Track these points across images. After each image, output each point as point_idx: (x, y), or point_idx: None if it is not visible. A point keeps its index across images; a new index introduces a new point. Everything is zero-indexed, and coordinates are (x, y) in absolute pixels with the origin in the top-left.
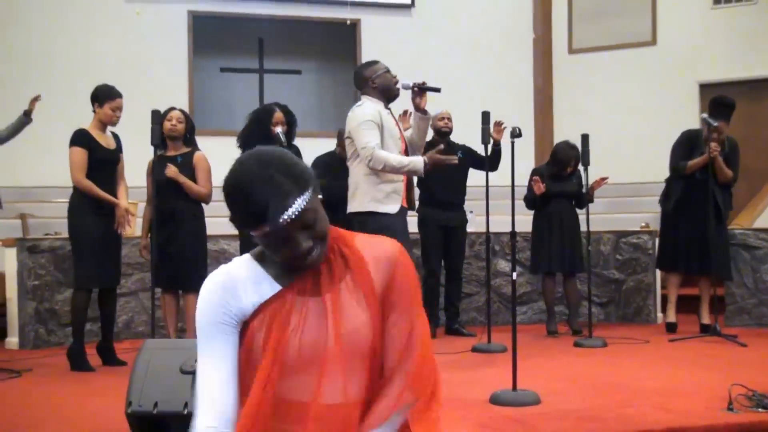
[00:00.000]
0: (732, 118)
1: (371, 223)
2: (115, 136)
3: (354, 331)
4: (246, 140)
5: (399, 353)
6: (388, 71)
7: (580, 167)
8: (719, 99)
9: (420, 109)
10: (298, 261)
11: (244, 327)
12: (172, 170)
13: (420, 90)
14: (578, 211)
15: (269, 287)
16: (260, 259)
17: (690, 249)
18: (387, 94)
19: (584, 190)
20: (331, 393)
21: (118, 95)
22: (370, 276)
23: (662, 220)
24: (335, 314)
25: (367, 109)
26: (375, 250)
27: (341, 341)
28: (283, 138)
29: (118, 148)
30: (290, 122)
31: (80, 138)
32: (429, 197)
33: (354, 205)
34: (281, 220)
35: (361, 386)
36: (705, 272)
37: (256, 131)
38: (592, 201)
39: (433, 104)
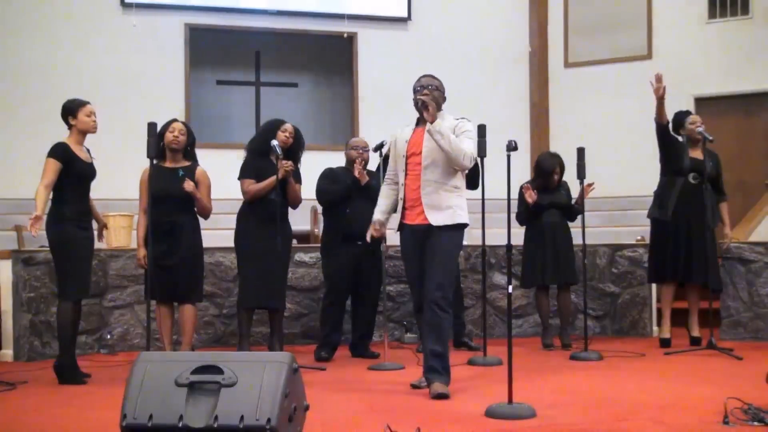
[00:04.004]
0: (727, 132)
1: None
2: (87, 150)
3: None
4: (252, 146)
5: None
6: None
7: (567, 179)
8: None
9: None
10: None
11: None
12: (190, 185)
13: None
14: (572, 223)
15: None
16: None
17: (689, 257)
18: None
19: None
20: None
21: (87, 101)
22: None
23: (656, 230)
24: None
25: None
26: None
27: None
28: (278, 150)
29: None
30: (297, 139)
31: (59, 151)
32: None
33: None
34: None
35: None
36: (704, 281)
37: (262, 139)
38: (582, 211)
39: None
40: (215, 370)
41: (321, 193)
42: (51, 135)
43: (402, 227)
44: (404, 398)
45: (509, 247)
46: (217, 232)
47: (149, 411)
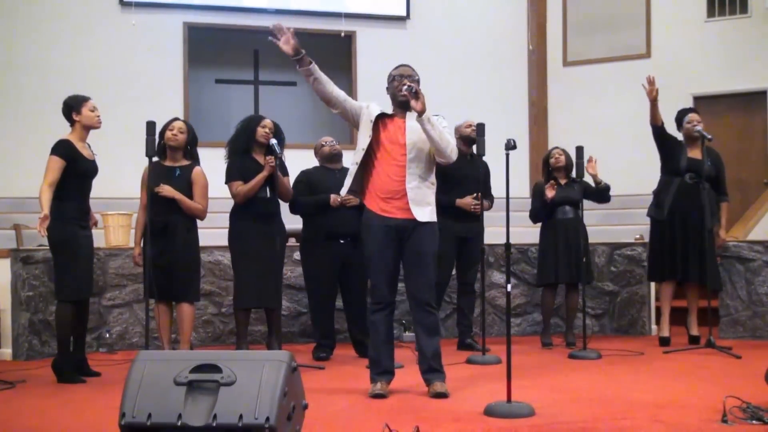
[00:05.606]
0: (726, 131)
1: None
2: (89, 147)
3: None
4: (233, 147)
5: None
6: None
7: (575, 176)
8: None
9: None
10: None
11: None
12: (165, 189)
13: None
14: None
15: None
16: None
17: (685, 256)
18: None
19: (593, 187)
20: None
21: (88, 96)
22: None
23: (654, 229)
24: None
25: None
26: None
27: None
28: (277, 149)
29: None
30: (278, 134)
31: (63, 149)
32: (446, 207)
33: None
34: None
35: None
36: (701, 280)
37: (243, 138)
38: (606, 187)
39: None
40: (214, 368)
41: (295, 205)
42: (50, 134)
43: (372, 218)
44: (403, 397)
45: (508, 245)
46: (216, 231)
47: (148, 410)
